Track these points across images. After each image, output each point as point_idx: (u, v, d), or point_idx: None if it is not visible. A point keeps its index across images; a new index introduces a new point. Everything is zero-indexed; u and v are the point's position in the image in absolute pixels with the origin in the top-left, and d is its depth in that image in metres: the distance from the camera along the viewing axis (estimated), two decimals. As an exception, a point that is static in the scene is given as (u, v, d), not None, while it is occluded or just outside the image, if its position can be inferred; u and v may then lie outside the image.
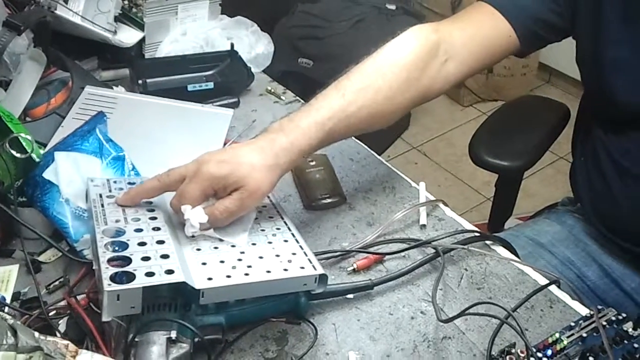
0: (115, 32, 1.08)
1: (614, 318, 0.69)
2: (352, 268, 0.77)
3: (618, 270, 0.89)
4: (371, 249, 0.79)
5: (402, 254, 0.79)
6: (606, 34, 0.79)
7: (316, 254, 0.75)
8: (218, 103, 1.03)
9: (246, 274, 0.66)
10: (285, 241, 0.73)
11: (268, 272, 0.67)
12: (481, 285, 0.75)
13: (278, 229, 0.76)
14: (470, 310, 0.65)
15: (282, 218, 0.78)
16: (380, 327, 0.70)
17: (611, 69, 0.80)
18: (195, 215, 0.68)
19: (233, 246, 0.70)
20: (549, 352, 0.64)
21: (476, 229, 0.82)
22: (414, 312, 0.72)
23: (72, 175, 0.76)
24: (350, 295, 0.74)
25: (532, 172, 2.07)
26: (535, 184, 2.03)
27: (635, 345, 0.66)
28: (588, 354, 0.63)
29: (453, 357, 0.67)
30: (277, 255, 0.70)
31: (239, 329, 0.69)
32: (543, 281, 0.75)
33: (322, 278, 0.68)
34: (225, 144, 0.96)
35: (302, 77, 2.02)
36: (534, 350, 0.63)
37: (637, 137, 0.82)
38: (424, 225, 0.84)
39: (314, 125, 0.73)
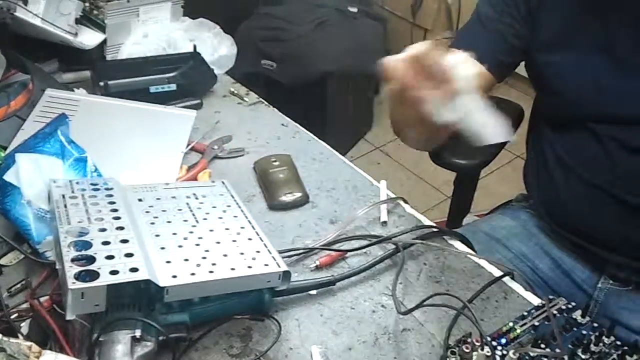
0: (76, 34, 1.08)
1: (564, 307, 0.73)
2: (315, 265, 0.79)
3: (568, 262, 0.93)
4: (333, 246, 0.81)
5: (364, 250, 0.81)
6: (544, 38, 0.83)
7: (280, 252, 0.76)
8: (181, 105, 1.04)
9: (210, 272, 0.67)
10: (249, 239, 0.75)
11: (232, 269, 0.68)
12: (439, 278, 0.78)
13: (242, 227, 0.77)
14: (428, 302, 0.67)
15: (246, 217, 0.79)
16: (342, 321, 0.72)
17: (553, 72, 0.84)
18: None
19: (197, 245, 0.71)
20: (503, 340, 0.67)
21: (435, 224, 0.85)
22: (375, 305, 0.74)
23: (33, 177, 0.75)
24: (313, 291, 0.75)
25: (491, 170, 2.13)
26: (494, 182, 2.09)
27: (584, 332, 0.70)
28: (540, 341, 0.67)
29: (412, 348, 0.69)
30: (242, 253, 0.71)
31: (204, 327, 0.70)
32: (498, 273, 0.78)
33: (286, 275, 0.69)
34: (188, 145, 0.97)
35: (265, 79, 2.04)
36: (489, 339, 0.66)
37: (579, 136, 0.86)
38: (384, 222, 0.86)
39: None
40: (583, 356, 0.66)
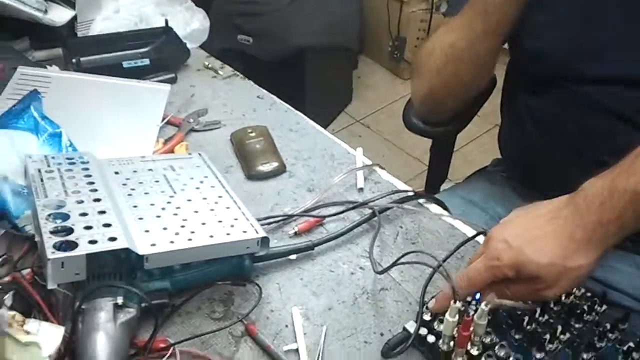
0: (45, 11, 1.06)
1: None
2: (293, 231, 0.80)
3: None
4: (311, 213, 0.83)
5: (341, 215, 0.82)
6: None
7: (259, 220, 0.77)
8: (155, 79, 1.03)
9: (189, 239, 0.68)
10: (227, 208, 0.76)
11: (211, 236, 0.69)
12: (415, 240, 0.80)
13: (220, 197, 0.78)
14: (403, 260, 0.69)
15: (224, 187, 0.80)
16: (322, 283, 0.74)
17: (528, 29, 0.85)
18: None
19: (175, 214, 0.72)
20: (478, 296, 0.69)
21: (410, 188, 0.86)
22: (354, 268, 0.76)
23: (8, 153, 0.75)
24: (293, 256, 0.77)
25: (470, 139, 2.16)
26: (473, 151, 2.12)
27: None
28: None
29: (390, 306, 0.71)
30: (220, 221, 0.72)
31: (186, 293, 0.71)
32: (472, 234, 0.80)
33: (264, 241, 0.71)
34: (163, 119, 0.97)
35: (242, 55, 2.03)
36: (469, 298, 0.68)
37: (554, 97, 0.87)
38: (361, 189, 0.87)
39: None
40: (555, 307, 0.69)
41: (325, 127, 0.98)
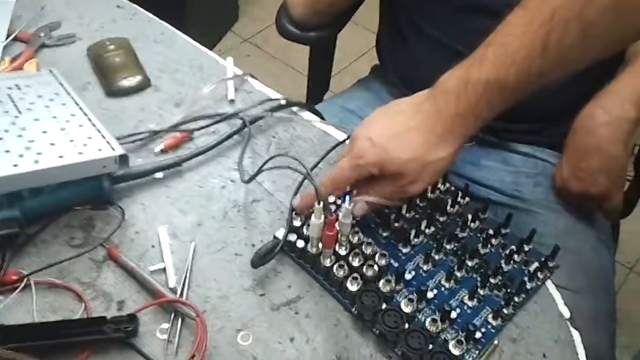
0: None
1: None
2: (159, 149, 0.75)
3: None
4: (179, 128, 0.78)
5: (211, 129, 0.78)
6: None
7: (120, 138, 0.72)
8: (-5, -10, 0.91)
9: (36, 161, 0.62)
10: (81, 126, 0.69)
11: (61, 157, 0.63)
12: (289, 149, 0.78)
13: (72, 115, 0.71)
14: (270, 165, 0.66)
15: (77, 104, 0.73)
16: (190, 200, 0.71)
17: None
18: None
19: (20, 136, 0.65)
20: (347, 197, 0.69)
21: (282, 97, 0.83)
22: (225, 181, 0.73)
23: None
24: (159, 175, 0.73)
25: (361, 54, 2.15)
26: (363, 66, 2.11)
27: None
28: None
29: (262, 216, 0.70)
30: (71, 141, 0.67)
31: (41, 222, 0.66)
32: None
33: (123, 159, 0.66)
34: (9, 35, 0.86)
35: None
36: (333, 199, 0.68)
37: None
38: (232, 100, 0.83)
39: None
40: (421, 203, 0.70)
41: (210, 47, 0.92)
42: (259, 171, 0.67)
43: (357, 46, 2.12)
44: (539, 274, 0.64)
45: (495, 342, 0.59)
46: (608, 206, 0.85)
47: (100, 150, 0.66)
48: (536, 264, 0.65)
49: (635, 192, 1.04)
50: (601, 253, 0.87)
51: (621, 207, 0.87)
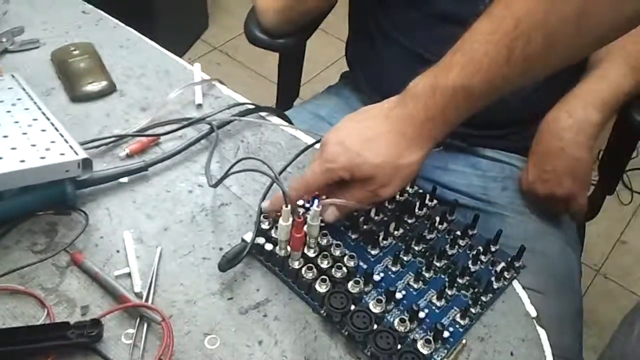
0: None
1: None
2: (125, 153, 0.74)
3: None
4: (146, 133, 0.77)
5: (179, 134, 0.78)
6: None
7: (84, 143, 0.71)
8: (-45, -7, 0.89)
9: (-5, 166, 0.61)
10: (43, 130, 0.68)
11: (22, 161, 0.62)
12: (257, 153, 0.78)
13: (35, 119, 0.70)
14: (237, 169, 0.66)
15: (40, 109, 0.72)
16: (157, 204, 0.70)
17: None
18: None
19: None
20: (316, 201, 0.69)
21: (250, 101, 0.83)
22: (192, 186, 0.73)
23: None
24: (125, 179, 0.72)
25: (331, 62, 2.16)
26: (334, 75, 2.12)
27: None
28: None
29: (230, 220, 0.69)
30: (34, 145, 0.65)
31: (2, 227, 0.64)
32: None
33: (86, 163, 0.65)
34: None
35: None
36: (301, 202, 0.68)
37: (403, 7, 0.87)
38: (200, 105, 0.83)
39: None
40: (389, 206, 0.71)
41: (180, 56, 0.91)
42: (227, 174, 0.66)
43: (327, 54, 2.14)
44: (505, 273, 0.65)
45: (464, 341, 0.59)
46: (573, 207, 0.86)
47: (62, 154, 0.65)
48: (503, 264, 0.66)
49: (599, 196, 1.06)
50: (568, 255, 0.88)
51: (586, 209, 0.89)
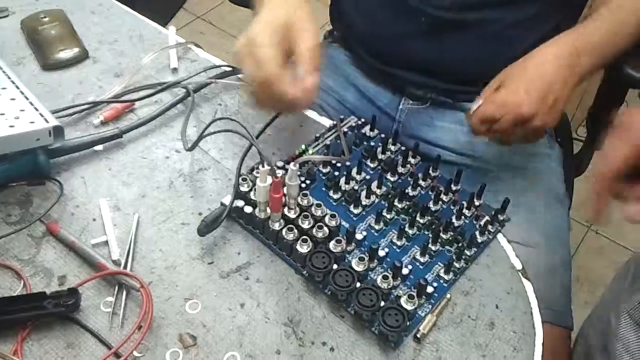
0: None
1: (354, 124, 0.75)
2: (99, 121, 0.72)
3: (372, 89, 0.95)
4: (121, 99, 0.75)
5: (154, 99, 0.76)
6: None
7: (56, 111, 0.70)
8: None
9: (-38, 137, 0.59)
10: (13, 99, 0.66)
11: (-10, 131, 0.60)
12: (236, 116, 0.76)
13: (4, 88, 0.68)
14: (214, 129, 0.64)
15: (9, 78, 0.70)
16: (133, 171, 0.68)
17: None
18: None
19: (-55, 112, 0.62)
20: (298, 163, 0.67)
21: (227, 64, 0.81)
22: (169, 151, 0.71)
23: None
24: (100, 147, 0.70)
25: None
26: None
27: (372, 144, 0.72)
28: (332, 161, 0.68)
29: (209, 184, 0.68)
30: (2, 114, 0.63)
31: (-26, 201, 0.63)
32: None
33: (57, 131, 0.63)
34: None
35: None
36: (281, 164, 0.66)
37: None
38: (175, 69, 0.81)
39: None
40: (371, 164, 0.69)
41: (164, 25, 0.88)
42: (202, 136, 0.65)
43: (312, 20, 2.10)
44: (490, 227, 0.64)
45: (448, 296, 0.59)
46: (535, 125, 0.73)
47: (32, 122, 0.63)
48: (487, 218, 0.65)
49: (588, 151, 1.05)
50: (555, 209, 0.87)
51: (542, 135, 0.76)
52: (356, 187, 0.67)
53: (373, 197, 0.66)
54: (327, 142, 0.72)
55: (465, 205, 0.65)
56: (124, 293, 0.57)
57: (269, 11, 0.64)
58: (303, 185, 0.66)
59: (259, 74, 0.60)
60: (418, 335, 0.56)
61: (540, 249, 0.80)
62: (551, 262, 0.80)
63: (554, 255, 0.82)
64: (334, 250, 0.59)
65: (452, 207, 0.66)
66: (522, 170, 0.88)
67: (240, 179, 0.63)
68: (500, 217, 0.65)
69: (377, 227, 0.64)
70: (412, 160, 0.70)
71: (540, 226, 0.83)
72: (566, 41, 0.74)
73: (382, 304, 0.55)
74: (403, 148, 0.71)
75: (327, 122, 0.76)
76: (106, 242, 0.61)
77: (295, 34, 0.62)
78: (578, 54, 0.74)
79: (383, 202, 0.66)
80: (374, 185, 0.67)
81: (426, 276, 0.60)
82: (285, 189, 0.60)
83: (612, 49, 0.78)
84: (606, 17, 0.78)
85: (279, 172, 0.64)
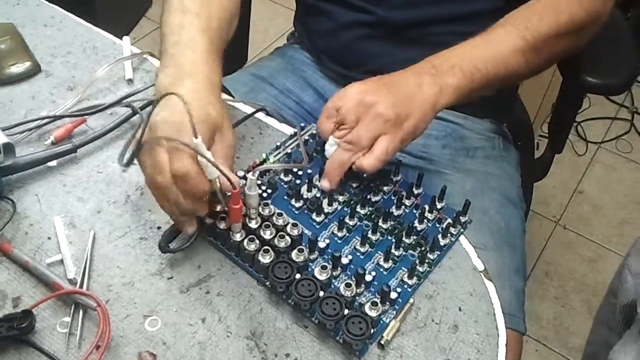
0: None
1: (315, 132, 0.74)
2: (52, 137, 0.70)
3: (331, 91, 0.94)
4: (75, 113, 0.73)
5: (109, 111, 0.74)
6: None
7: (8, 128, 0.68)
8: None
9: None
10: (-41, 117, 0.64)
11: None
12: (194, 127, 0.74)
13: (-50, 106, 0.66)
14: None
15: (-45, 95, 0.67)
16: (88, 187, 0.67)
17: None
18: None
19: None
20: (257, 172, 0.66)
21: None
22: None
23: None
24: (53, 163, 0.68)
25: (281, 33, 2.11)
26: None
27: (333, 150, 0.71)
28: (294, 169, 0.67)
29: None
30: (-52, 133, 0.61)
31: None
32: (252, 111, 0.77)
33: (7, 148, 0.61)
34: None
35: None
36: (242, 173, 0.65)
37: None
38: (130, 80, 0.79)
39: None
40: (354, 185, 0.68)
41: (126, 33, 0.86)
42: (137, 151, 0.60)
43: (277, 26, 2.10)
44: (452, 229, 0.64)
45: (411, 300, 0.58)
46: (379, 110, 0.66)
47: (-20, 140, 0.61)
48: (449, 220, 0.65)
49: (550, 155, 1.06)
50: (508, 212, 0.87)
51: (375, 166, 0.64)
52: (318, 195, 0.66)
53: (335, 204, 0.65)
54: (289, 150, 0.71)
55: (427, 208, 0.65)
56: (81, 312, 0.55)
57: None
58: (264, 194, 0.65)
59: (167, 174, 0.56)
60: (382, 342, 0.55)
61: (490, 251, 0.79)
62: (501, 265, 0.80)
63: (505, 258, 0.81)
64: (297, 260, 0.58)
65: (414, 211, 0.66)
66: (475, 173, 0.87)
67: (198, 190, 0.62)
68: (462, 219, 0.65)
69: (340, 234, 0.63)
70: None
71: (491, 228, 0.82)
72: (427, 60, 0.70)
73: (346, 312, 0.55)
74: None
75: (288, 130, 0.75)
76: (61, 261, 0.59)
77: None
78: (437, 72, 0.68)
79: (346, 209, 0.65)
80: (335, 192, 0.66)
81: (390, 282, 0.59)
82: (245, 198, 0.59)
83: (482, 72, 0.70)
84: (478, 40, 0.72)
85: (242, 182, 0.63)
